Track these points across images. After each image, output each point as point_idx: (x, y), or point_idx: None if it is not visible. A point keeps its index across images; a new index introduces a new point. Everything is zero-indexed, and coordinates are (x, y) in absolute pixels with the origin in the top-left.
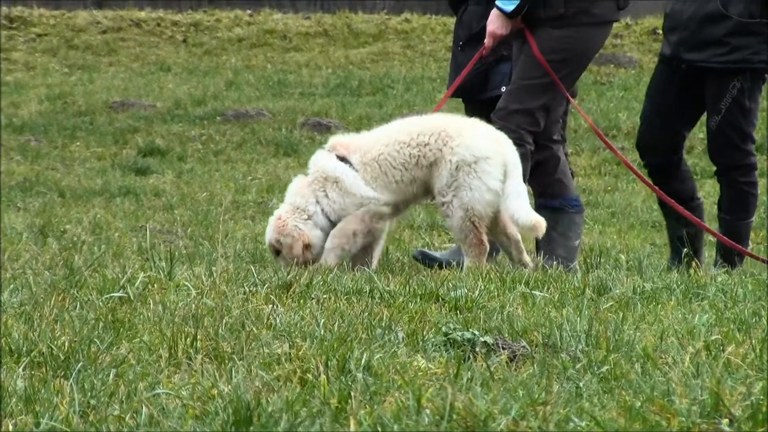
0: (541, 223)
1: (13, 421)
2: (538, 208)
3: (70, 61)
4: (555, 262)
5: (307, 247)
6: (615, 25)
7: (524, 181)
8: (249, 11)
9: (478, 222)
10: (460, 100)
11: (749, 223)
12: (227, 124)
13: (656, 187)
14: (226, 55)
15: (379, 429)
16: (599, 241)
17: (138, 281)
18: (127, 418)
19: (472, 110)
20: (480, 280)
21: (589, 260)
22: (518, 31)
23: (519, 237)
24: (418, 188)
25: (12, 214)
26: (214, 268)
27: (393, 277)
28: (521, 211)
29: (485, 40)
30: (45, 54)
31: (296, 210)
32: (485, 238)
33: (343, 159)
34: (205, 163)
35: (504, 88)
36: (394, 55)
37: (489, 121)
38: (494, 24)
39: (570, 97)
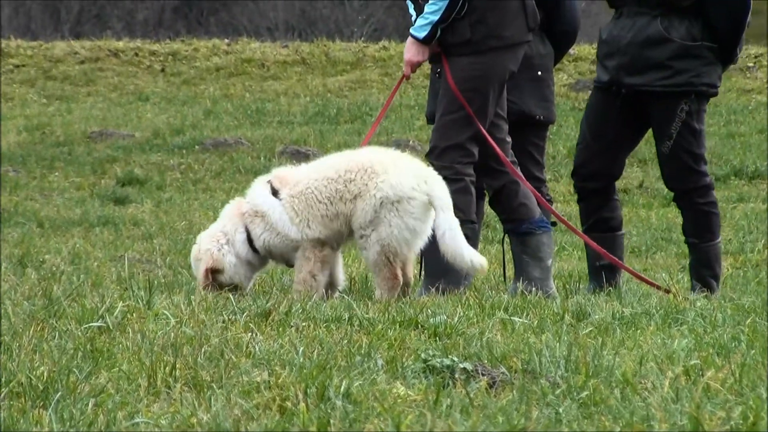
0: (484, 264)
1: None
2: (507, 233)
3: (48, 92)
4: (534, 288)
5: (212, 271)
6: (593, 51)
7: (470, 214)
8: (227, 40)
9: (393, 258)
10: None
11: (718, 245)
12: (206, 153)
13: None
14: (204, 84)
15: None
16: (578, 267)
17: (117, 310)
18: None
19: None
20: (459, 306)
21: (568, 286)
22: (436, 56)
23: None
24: (342, 224)
25: None
26: (192, 297)
27: (372, 304)
28: (464, 252)
29: (404, 69)
30: (23, 85)
31: (218, 233)
32: (399, 273)
33: (276, 192)
34: (184, 192)
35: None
36: (372, 83)
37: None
38: (410, 52)
39: (483, 130)
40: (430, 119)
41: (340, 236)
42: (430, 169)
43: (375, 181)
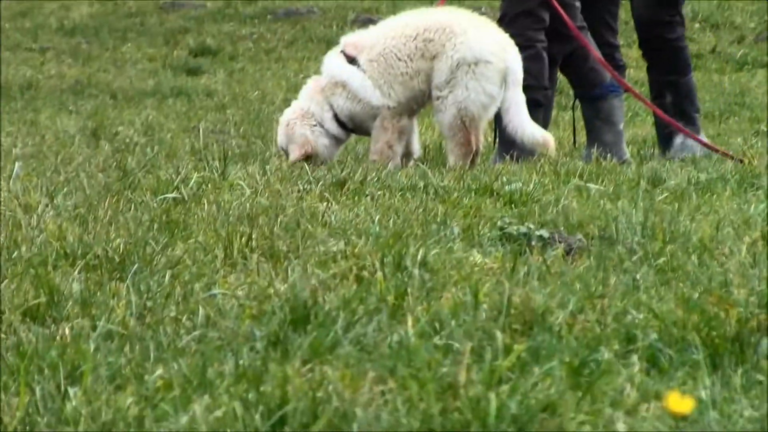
0: (549, 139)
1: (70, 324)
2: (579, 98)
3: None
4: (607, 153)
5: (308, 157)
6: None
7: (543, 81)
8: None
9: (469, 122)
10: None
11: (693, 78)
12: (278, 23)
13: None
14: None
15: (437, 325)
16: (652, 133)
17: (192, 182)
18: (183, 320)
19: None
20: (534, 173)
21: (642, 152)
22: None
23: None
24: (422, 82)
25: (64, 117)
26: (267, 167)
27: (447, 172)
28: (526, 128)
29: None
30: None
31: (305, 114)
32: (473, 139)
33: (352, 60)
34: (256, 62)
35: None
36: None
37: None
38: None
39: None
40: None
41: (422, 97)
42: (509, 38)
43: (453, 41)
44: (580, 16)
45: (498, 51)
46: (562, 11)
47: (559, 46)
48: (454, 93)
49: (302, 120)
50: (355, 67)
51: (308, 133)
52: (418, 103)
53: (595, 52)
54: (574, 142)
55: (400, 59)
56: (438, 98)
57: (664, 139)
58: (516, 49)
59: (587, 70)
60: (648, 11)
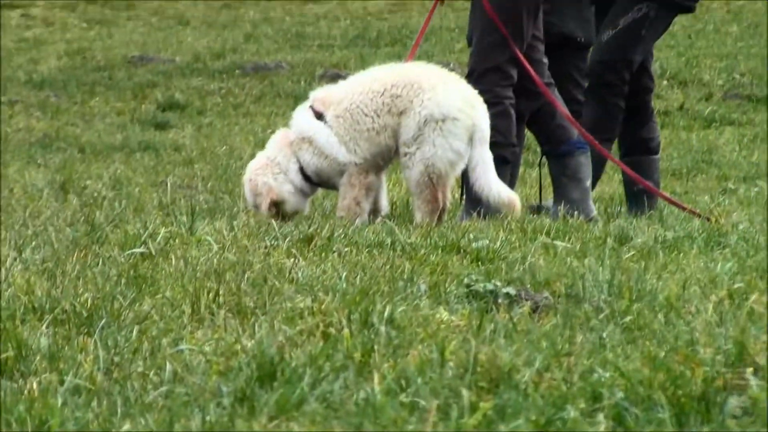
0: (514, 200)
1: (38, 378)
2: (545, 155)
3: (89, 16)
4: (574, 210)
5: (275, 204)
6: None
7: (511, 137)
8: None
9: (436, 179)
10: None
11: (605, 149)
12: (246, 78)
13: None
14: (244, 8)
15: (403, 382)
16: (619, 190)
17: (159, 236)
18: (151, 375)
19: None
20: (501, 230)
21: (609, 209)
22: None
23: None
24: (389, 138)
25: (32, 171)
26: (235, 223)
27: (414, 229)
28: (492, 187)
29: None
30: (64, 9)
31: (270, 163)
32: (440, 196)
33: (320, 115)
34: (224, 117)
35: None
36: (412, 5)
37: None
38: None
39: (518, 52)
40: (471, 42)
41: (389, 153)
42: (478, 94)
43: (421, 97)
44: (548, 72)
45: (466, 108)
46: (529, 68)
47: (527, 102)
48: (422, 149)
49: (265, 170)
50: (322, 123)
51: (271, 182)
52: (385, 159)
53: (563, 108)
54: (541, 199)
55: (366, 115)
56: (405, 154)
57: (632, 197)
58: (484, 106)
59: (554, 126)
60: (596, 74)
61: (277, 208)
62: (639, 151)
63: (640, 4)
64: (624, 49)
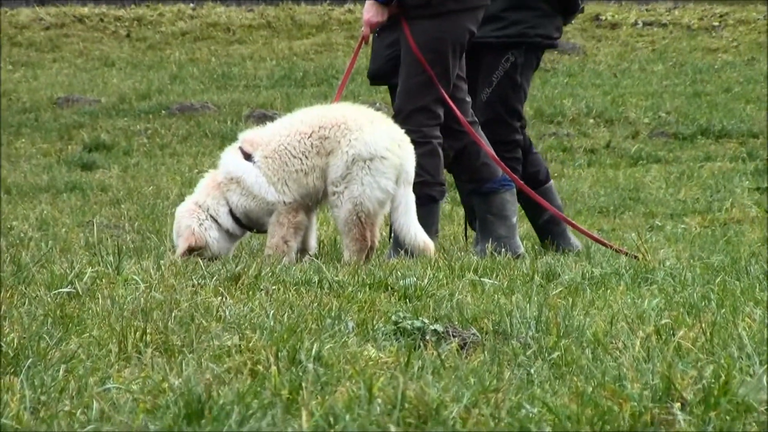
0: (429, 246)
1: None
2: (470, 194)
3: (14, 58)
4: (501, 247)
5: (192, 249)
6: None
7: (439, 176)
8: (192, 4)
9: (365, 218)
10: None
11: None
12: (172, 118)
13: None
14: (169, 49)
15: (331, 419)
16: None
17: (86, 276)
18: (78, 414)
19: (392, 91)
20: (429, 268)
21: (537, 247)
22: (395, 18)
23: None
24: (317, 179)
25: None
26: (162, 262)
27: (341, 266)
28: (410, 229)
29: (362, 29)
30: None
31: (197, 208)
32: (368, 235)
33: (248, 156)
34: (151, 157)
35: None
36: (338, 46)
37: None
38: (370, 12)
39: (444, 93)
40: (373, 78)
41: (317, 193)
42: (405, 135)
43: (349, 137)
44: (471, 111)
45: (393, 147)
46: (455, 108)
47: (451, 141)
48: (350, 188)
49: (191, 213)
50: (250, 164)
51: (195, 226)
52: (314, 199)
53: (487, 147)
54: (466, 236)
55: (295, 156)
56: (334, 194)
57: (539, 230)
58: (411, 147)
59: (479, 165)
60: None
61: (193, 253)
62: (532, 186)
63: (506, 54)
64: (506, 101)
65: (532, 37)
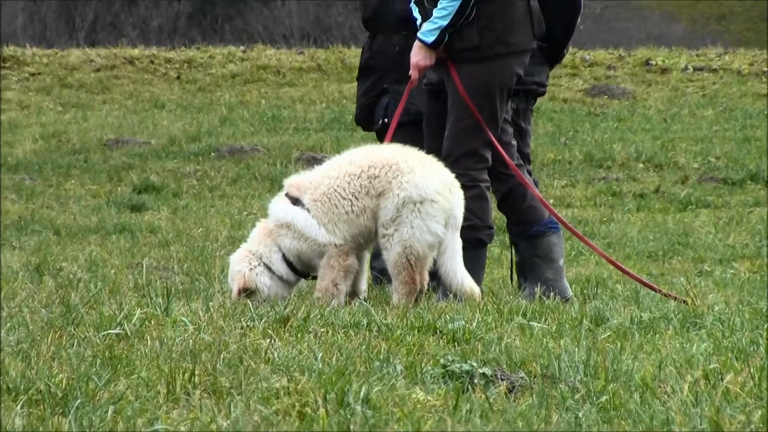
0: (476, 291)
1: None
2: (516, 237)
3: (64, 100)
4: (548, 290)
5: (244, 291)
6: (608, 56)
7: (487, 220)
8: (242, 47)
9: (414, 261)
10: None
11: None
12: (222, 160)
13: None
14: (219, 91)
15: None
16: (595, 272)
17: (135, 318)
18: None
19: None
20: (477, 311)
21: (586, 291)
22: (441, 61)
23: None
24: (368, 219)
25: (8, 253)
26: (210, 304)
27: (390, 309)
28: (457, 275)
29: (411, 72)
30: (39, 93)
31: (249, 254)
32: (418, 278)
33: (296, 200)
34: (200, 199)
35: (384, 120)
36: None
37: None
38: (418, 56)
39: (492, 137)
40: (360, 125)
41: (368, 234)
42: (455, 179)
43: (400, 179)
44: (517, 153)
45: (444, 191)
46: (503, 152)
47: (497, 184)
48: (400, 231)
49: (243, 260)
50: (299, 207)
51: (246, 270)
52: (366, 239)
53: (534, 189)
54: (511, 279)
55: (345, 198)
56: (384, 236)
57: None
58: (461, 192)
59: (525, 207)
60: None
61: (249, 295)
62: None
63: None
64: (519, 150)
65: (529, 84)
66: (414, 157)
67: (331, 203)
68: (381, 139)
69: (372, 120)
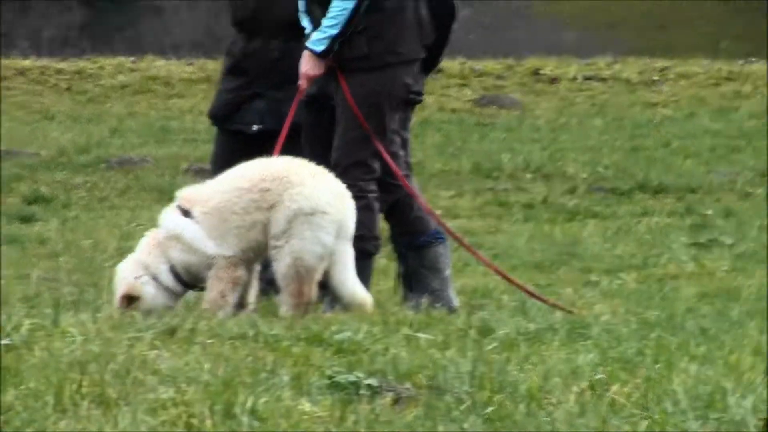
0: (368, 301)
1: None
2: (403, 247)
3: None
4: (437, 302)
5: (127, 299)
6: (497, 66)
7: (375, 231)
8: (132, 58)
9: (304, 272)
10: None
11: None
12: (111, 171)
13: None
14: (109, 102)
15: None
16: (482, 283)
17: (23, 328)
18: None
19: (222, 137)
20: (364, 322)
21: (472, 301)
22: (331, 70)
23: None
24: (259, 234)
25: None
26: (99, 315)
27: (277, 320)
28: (348, 285)
29: (299, 81)
30: None
31: (136, 264)
32: (307, 290)
33: (186, 212)
34: (89, 211)
35: (255, 126)
36: None
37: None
38: (307, 65)
39: (381, 148)
40: (212, 118)
41: (259, 247)
42: (346, 189)
43: (290, 191)
44: (404, 164)
45: (335, 202)
46: (391, 162)
47: (384, 194)
48: (290, 243)
49: (129, 268)
50: (189, 220)
51: (131, 279)
52: (256, 253)
53: (421, 200)
54: (398, 290)
55: (235, 213)
56: (274, 248)
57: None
58: (353, 202)
59: (413, 218)
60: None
61: (131, 304)
62: None
63: None
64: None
65: (409, 93)
66: (305, 169)
67: (221, 217)
68: (247, 143)
69: (232, 118)
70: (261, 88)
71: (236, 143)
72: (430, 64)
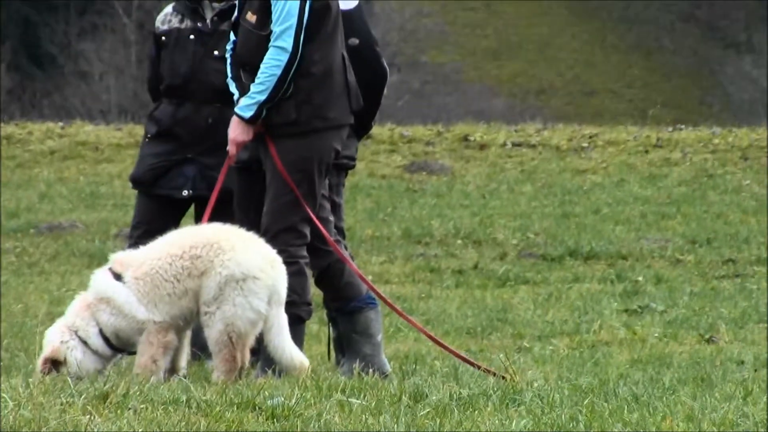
0: (305, 364)
1: None
2: (334, 312)
3: None
4: (369, 367)
5: (51, 362)
6: (427, 132)
7: (306, 296)
8: (61, 123)
9: (236, 338)
10: None
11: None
12: (41, 237)
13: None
14: (38, 168)
15: None
16: (414, 348)
17: None
18: None
19: (145, 201)
20: (296, 388)
21: (404, 367)
22: (260, 136)
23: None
24: (191, 301)
25: None
26: (30, 380)
27: (209, 386)
28: (285, 349)
29: (228, 147)
30: None
31: (64, 328)
32: (239, 355)
33: (118, 276)
34: (19, 276)
35: (186, 192)
36: None
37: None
38: (236, 131)
39: (311, 213)
40: (134, 183)
41: (190, 314)
42: (277, 255)
43: (221, 258)
44: (335, 230)
45: (266, 267)
46: (321, 227)
47: (315, 259)
48: (222, 309)
49: (56, 332)
50: (120, 284)
51: (57, 342)
52: (186, 320)
53: (352, 264)
54: (329, 355)
55: (166, 280)
56: (206, 314)
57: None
58: (283, 267)
59: (343, 284)
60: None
61: (57, 369)
62: None
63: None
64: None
65: (341, 159)
66: (235, 235)
67: (153, 283)
68: (173, 207)
69: (158, 183)
70: (192, 153)
71: (161, 208)
72: (361, 130)
